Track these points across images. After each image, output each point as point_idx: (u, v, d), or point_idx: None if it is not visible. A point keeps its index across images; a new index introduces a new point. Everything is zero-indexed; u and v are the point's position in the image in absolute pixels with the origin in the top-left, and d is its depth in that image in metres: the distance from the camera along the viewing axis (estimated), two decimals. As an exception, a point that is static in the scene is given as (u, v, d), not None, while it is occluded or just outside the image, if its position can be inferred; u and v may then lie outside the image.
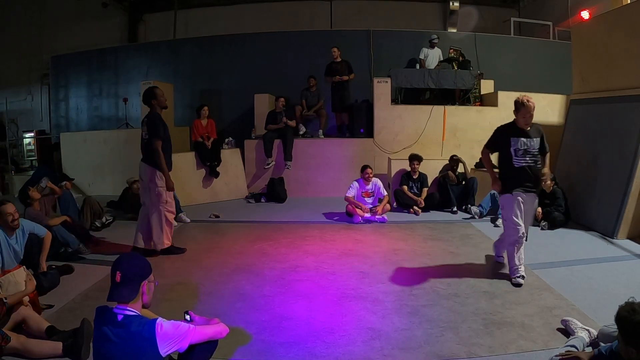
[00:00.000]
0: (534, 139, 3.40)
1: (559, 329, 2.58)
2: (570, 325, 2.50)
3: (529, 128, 3.42)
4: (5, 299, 2.48)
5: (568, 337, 2.44)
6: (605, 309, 2.83)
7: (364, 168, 5.63)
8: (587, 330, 2.41)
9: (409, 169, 6.16)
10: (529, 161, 3.40)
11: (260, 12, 11.24)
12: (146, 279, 1.81)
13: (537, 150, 3.41)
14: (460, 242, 4.57)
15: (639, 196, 4.54)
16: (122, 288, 1.73)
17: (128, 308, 1.74)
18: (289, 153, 7.19)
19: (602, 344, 2.17)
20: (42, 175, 7.67)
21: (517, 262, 3.43)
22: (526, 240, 3.50)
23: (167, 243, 4.18)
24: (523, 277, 3.37)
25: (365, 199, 5.63)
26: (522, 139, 3.40)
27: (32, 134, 10.76)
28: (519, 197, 3.41)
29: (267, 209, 6.48)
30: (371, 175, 5.60)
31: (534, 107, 3.35)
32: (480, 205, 5.67)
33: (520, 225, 3.41)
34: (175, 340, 1.71)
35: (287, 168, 7.18)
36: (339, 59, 7.72)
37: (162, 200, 4.11)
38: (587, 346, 2.30)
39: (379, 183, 5.68)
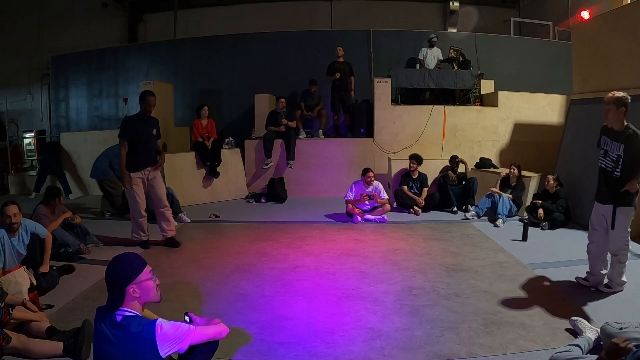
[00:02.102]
0: (615, 144, 3.02)
1: (567, 329, 2.57)
2: (579, 325, 2.49)
3: (617, 128, 3.05)
4: (11, 309, 2.48)
5: (576, 337, 2.43)
6: (605, 309, 2.84)
7: (365, 171, 5.58)
8: (596, 331, 2.39)
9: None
10: (607, 165, 3.09)
11: (260, 12, 11.24)
12: (131, 282, 1.72)
13: (616, 156, 3.03)
14: (460, 242, 4.57)
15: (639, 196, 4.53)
16: (109, 296, 1.73)
17: (126, 309, 1.73)
18: (292, 152, 7.19)
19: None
20: (49, 163, 7.73)
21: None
22: (620, 262, 3.09)
23: (136, 237, 4.45)
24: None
25: (365, 202, 5.61)
26: (606, 137, 3.11)
27: (32, 134, 10.76)
28: (597, 206, 3.19)
29: (267, 209, 6.48)
30: (372, 179, 5.58)
31: (611, 101, 2.99)
32: (476, 206, 5.68)
33: (590, 237, 3.26)
34: (175, 341, 1.70)
35: (290, 167, 7.18)
36: (341, 59, 7.72)
37: (127, 196, 4.40)
38: (592, 347, 2.29)
39: (380, 186, 5.65)
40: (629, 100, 2.99)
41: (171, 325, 1.72)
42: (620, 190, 2.99)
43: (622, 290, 3.13)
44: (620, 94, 3.01)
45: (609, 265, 3.21)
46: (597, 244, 3.23)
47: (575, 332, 2.50)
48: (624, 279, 3.14)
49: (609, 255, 3.21)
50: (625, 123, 3.02)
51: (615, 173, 3.03)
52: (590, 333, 2.38)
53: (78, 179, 8.17)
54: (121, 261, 1.78)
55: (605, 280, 3.21)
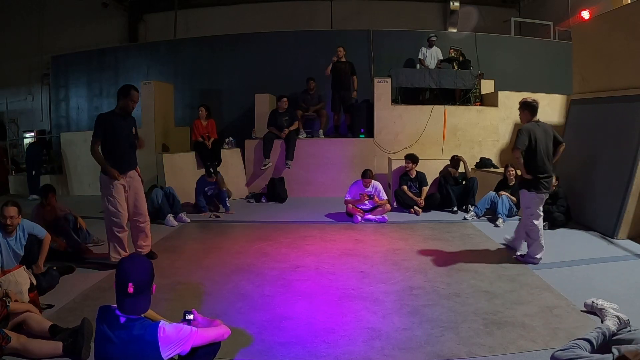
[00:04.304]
0: None
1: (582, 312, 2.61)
2: (598, 306, 2.53)
3: None
4: (8, 302, 2.48)
5: (600, 321, 2.45)
6: (605, 309, 2.83)
7: (364, 175, 5.56)
8: (617, 317, 2.39)
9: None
10: None
11: (260, 12, 11.24)
12: (154, 280, 1.78)
13: None
14: (460, 242, 4.57)
15: (639, 196, 4.54)
16: (136, 300, 1.69)
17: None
18: (291, 153, 7.18)
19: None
20: (35, 153, 7.78)
21: None
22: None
23: (115, 257, 3.75)
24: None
25: (364, 201, 5.61)
26: None
27: (33, 134, 10.77)
28: None
29: (267, 209, 6.48)
30: (370, 183, 5.56)
31: (519, 105, 3.92)
32: (476, 206, 5.68)
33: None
34: (177, 344, 1.71)
35: (288, 167, 7.17)
36: (343, 59, 7.72)
37: (104, 207, 3.76)
38: (598, 348, 2.21)
39: (380, 187, 5.65)
40: (535, 104, 3.79)
41: (174, 328, 1.72)
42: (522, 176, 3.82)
43: (535, 263, 3.75)
44: (527, 99, 3.82)
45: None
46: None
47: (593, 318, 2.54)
48: (537, 256, 3.75)
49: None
50: (531, 119, 3.79)
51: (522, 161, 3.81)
52: (611, 321, 2.34)
53: (78, 178, 8.20)
54: (143, 260, 1.82)
55: (523, 252, 3.94)
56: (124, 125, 3.72)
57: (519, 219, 4.12)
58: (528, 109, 3.80)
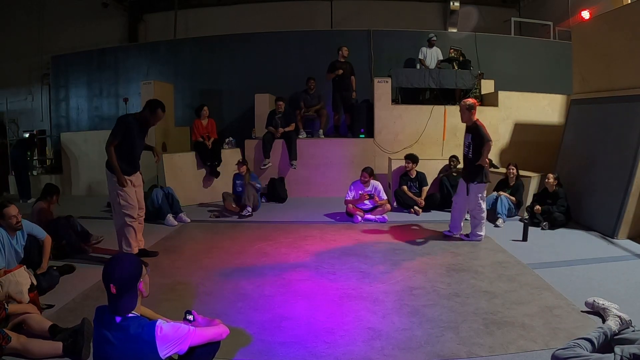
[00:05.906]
0: (468, 134, 4.53)
1: (583, 312, 2.61)
2: (601, 305, 2.51)
3: (469, 124, 4.52)
4: (7, 304, 2.48)
5: (602, 321, 2.45)
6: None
7: (365, 171, 5.58)
8: (619, 317, 2.39)
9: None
10: (464, 151, 4.57)
11: (260, 12, 11.23)
12: (140, 277, 1.73)
13: (468, 143, 4.49)
14: (460, 241, 4.57)
15: (639, 196, 4.54)
16: (121, 299, 1.67)
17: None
18: (294, 152, 7.18)
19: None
20: (18, 155, 7.72)
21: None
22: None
23: (127, 250, 3.91)
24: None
25: (364, 200, 5.61)
26: (465, 132, 4.60)
27: (29, 134, 10.76)
28: (461, 181, 4.74)
29: (268, 209, 6.48)
30: (368, 179, 5.56)
31: (464, 107, 4.46)
32: None
33: (454, 199, 4.85)
34: (175, 343, 1.70)
35: (293, 167, 7.16)
36: (342, 59, 7.72)
37: (114, 202, 3.91)
38: (600, 347, 2.21)
39: (380, 187, 5.65)
40: (475, 105, 4.46)
41: (171, 327, 1.71)
42: (475, 165, 4.34)
43: (479, 241, 4.50)
44: (468, 101, 4.46)
45: (463, 220, 4.77)
46: (458, 205, 4.69)
47: (596, 314, 2.53)
48: (481, 233, 4.53)
49: (468, 215, 4.73)
50: (474, 119, 4.42)
51: (470, 155, 4.43)
52: (612, 321, 2.34)
53: (78, 178, 8.19)
54: (124, 258, 1.77)
55: (467, 232, 4.63)
56: (142, 132, 3.95)
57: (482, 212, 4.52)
58: (475, 109, 4.45)
